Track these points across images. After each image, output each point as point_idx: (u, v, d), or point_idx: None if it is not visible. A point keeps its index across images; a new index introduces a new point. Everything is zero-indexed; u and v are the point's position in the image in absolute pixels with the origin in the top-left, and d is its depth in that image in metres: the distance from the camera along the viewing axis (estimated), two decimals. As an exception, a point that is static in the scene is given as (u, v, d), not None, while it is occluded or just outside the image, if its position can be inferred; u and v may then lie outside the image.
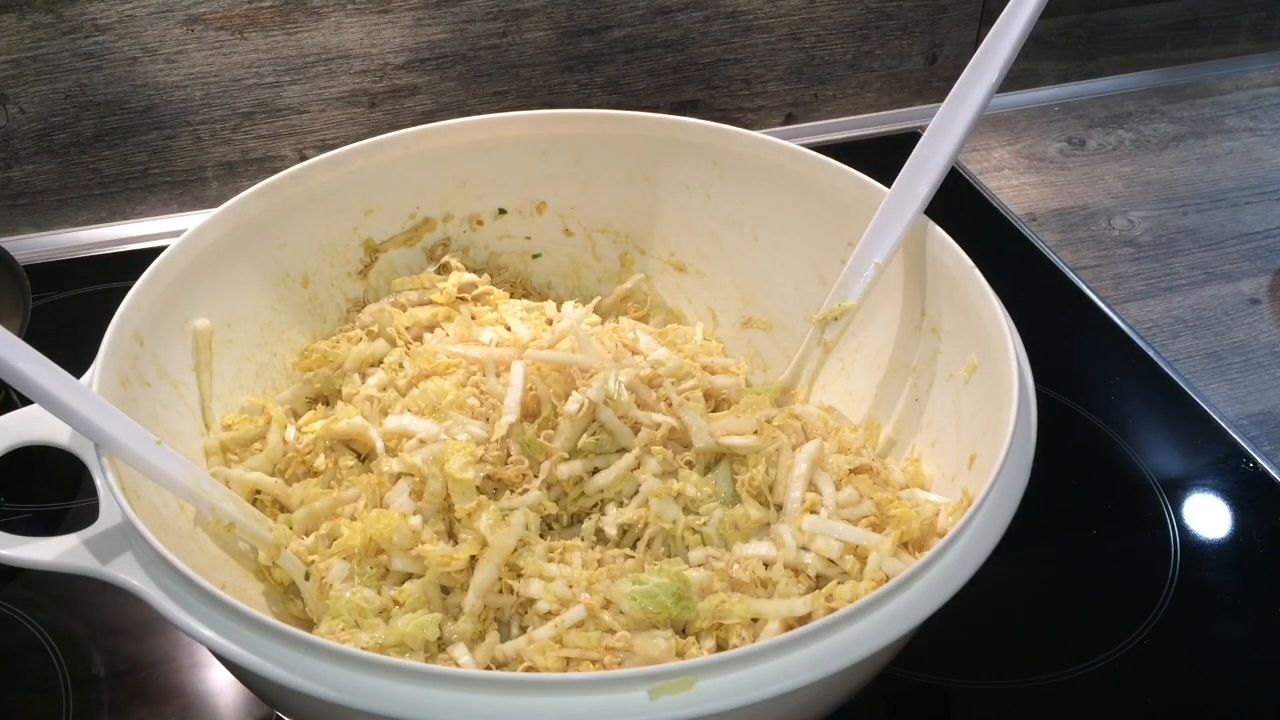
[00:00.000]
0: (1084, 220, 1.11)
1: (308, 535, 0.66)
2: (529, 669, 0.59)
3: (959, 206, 1.09)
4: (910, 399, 0.73)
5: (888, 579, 0.61)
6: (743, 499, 0.67)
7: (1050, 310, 0.99)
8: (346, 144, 0.78)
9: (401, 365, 0.74)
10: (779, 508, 0.67)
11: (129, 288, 0.67)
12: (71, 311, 0.96)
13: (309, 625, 0.64)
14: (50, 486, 0.81)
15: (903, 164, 0.70)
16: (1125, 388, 0.91)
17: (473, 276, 0.80)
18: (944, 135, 0.70)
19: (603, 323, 0.78)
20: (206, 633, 0.52)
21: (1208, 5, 1.23)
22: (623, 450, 0.68)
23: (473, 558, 0.63)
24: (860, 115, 1.20)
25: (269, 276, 0.76)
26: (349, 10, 0.99)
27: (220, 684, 0.71)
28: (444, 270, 0.81)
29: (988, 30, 0.67)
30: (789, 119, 1.17)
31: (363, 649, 0.58)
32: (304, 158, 0.85)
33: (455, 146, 0.80)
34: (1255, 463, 0.84)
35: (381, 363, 0.75)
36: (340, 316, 0.81)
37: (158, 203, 1.06)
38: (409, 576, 0.64)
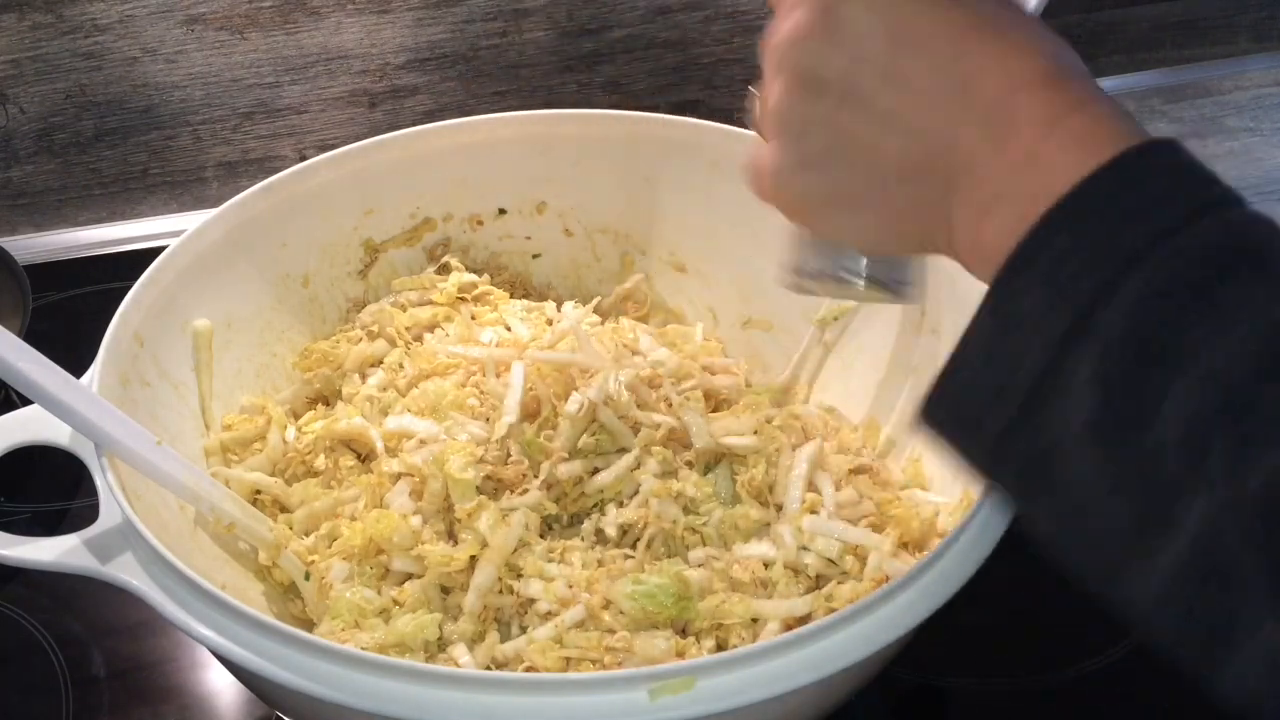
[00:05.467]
0: (1084, 220, 1.11)
1: (308, 535, 0.66)
2: (529, 669, 0.59)
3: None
4: (910, 399, 0.73)
5: (888, 579, 0.61)
6: (743, 499, 0.67)
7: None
8: (346, 144, 0.78)
9: (401, 365, 0.74)
10: (779, 508, 0.67)
11: (129, 288, 0.67)
12: (71, 311, 0.96)
13: (309, 625, 0.64)
14: (50, 486, 0.81)
15: (903, 164, 0.70)
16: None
17: (473, 276, 0.80)
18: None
19: (603, 323, 0.78)
20: (206, 633, 0.52)
21: (1208, 5, 1.23)
22: (623, 450, 0.68)
23: (473, 558, 0.63)
24: (860, 115, 1.20)
25: (269, 276, 0.76)
26: (349, 10, 0.99)
27: (220, 684, 0.71)
28: (444, 270, 0.81)
29: (988, 30, 0.67)
30: (789, 119, 1.17)
31: (363, 649, 0.58)
32: (304, 158, 0.84)
33: (455, 146, 0.80)
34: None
35: (381, 363, 0.75)
36: (340, 316, 0.81)
37: (158, 203, 1.06)
38: (409, 576, 0.64)
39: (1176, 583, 0.37)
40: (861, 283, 0.51)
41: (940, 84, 0.42)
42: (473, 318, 0.77)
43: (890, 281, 0.51)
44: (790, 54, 0.45)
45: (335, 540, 0.65)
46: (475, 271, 0.81)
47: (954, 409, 0.43)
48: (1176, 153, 0.39)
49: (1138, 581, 0.39)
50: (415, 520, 0.64)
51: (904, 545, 0.64)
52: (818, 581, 0.64)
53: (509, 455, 0.66)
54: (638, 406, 0.69)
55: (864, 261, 0.50)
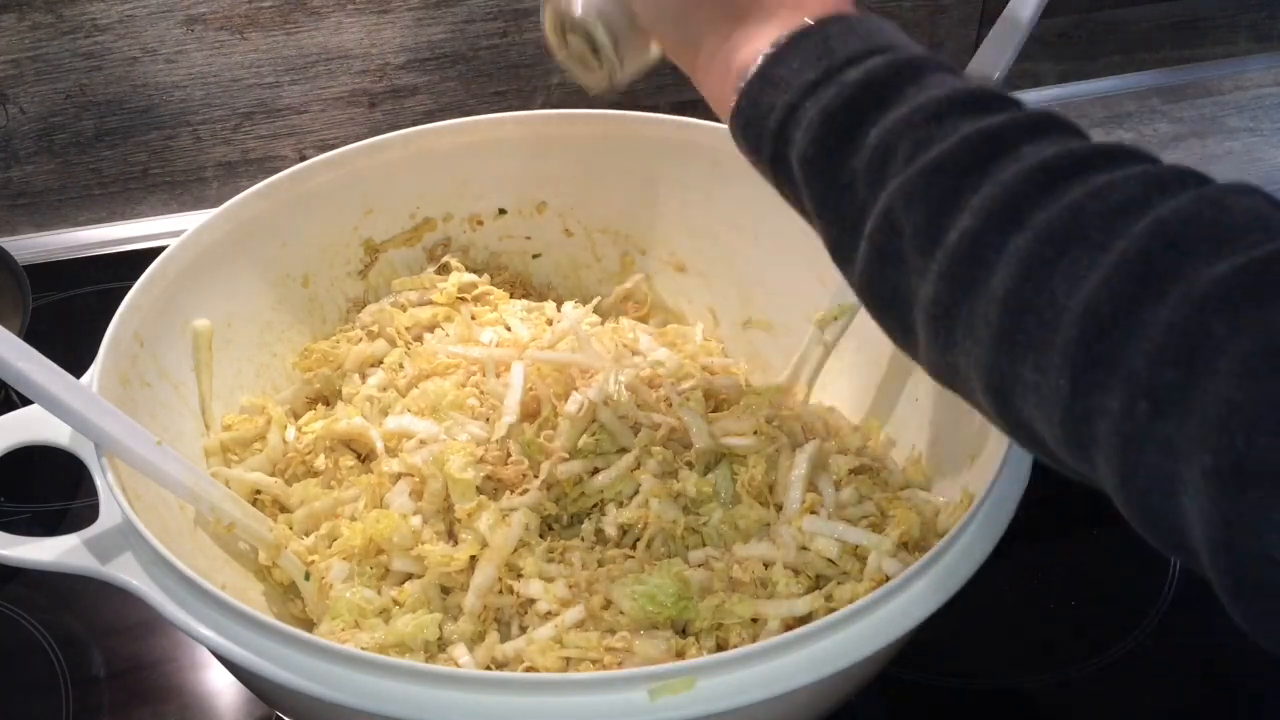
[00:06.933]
0: (1084, 220, 1.10)
1: (308, 535, 0.66)
2: (529, 669, 0.59)
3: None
4: (910, 399, 0.73)
5: (888, 579, 0.61)
6: (743, 499, 0.67)
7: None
8: (346, 144, 0.78)
9: (401, 365, 0.74)
10: (779, 508, 0.67)
11: (129, 288, 0.67)
12: (71, 311, 0.96)
13: (309, 625, 0.64)
14: (50, 486, 0.81)
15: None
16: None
17: (473, 276, 0.80)
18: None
19: (603, 323, 0.78)
20: (206, 633, 0.52)
21: (1208, 5, 1.23)
22: (623, 450, 0.68)
23: (473, 558, 0.63)
24: (860, 115, 1.20)
25: (269, 276, 0.76)
26: (349, 10, 0.99)
27: (220, 684, 0.71)
28: (444, 270, 0.81)
29: (988, 30, 0.67)
30: (789, 119, 1.17)
31: (363, 649, 0.58)
32: (304, 158, 0.84)
33: (455, 146, 0.80)
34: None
35: (381, 363, 0.75)
36: (340, 316, 0.81)
37: (158, 203, 1.06)
38: (409, 576, 0.64)
39: (865, 276, 0.45)
40: (604, 34, 0.58)
41: None
42: (473, 318, 0.77)
43: (620, 52, 0.59)
44: None
45: (335, 540, 0.65)
46: (475, 271, 0.81)
47: (743, 135, 0.52)
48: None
49: (849, 281, 0.47)
50: (415, 520, 0.64)
51: (904, 545, 0.64)
52: (818, 581, 0.64)
53: (509, 455, 0.66)
54: (638, 406, 0.69)
55: (622, 27, 0.58)
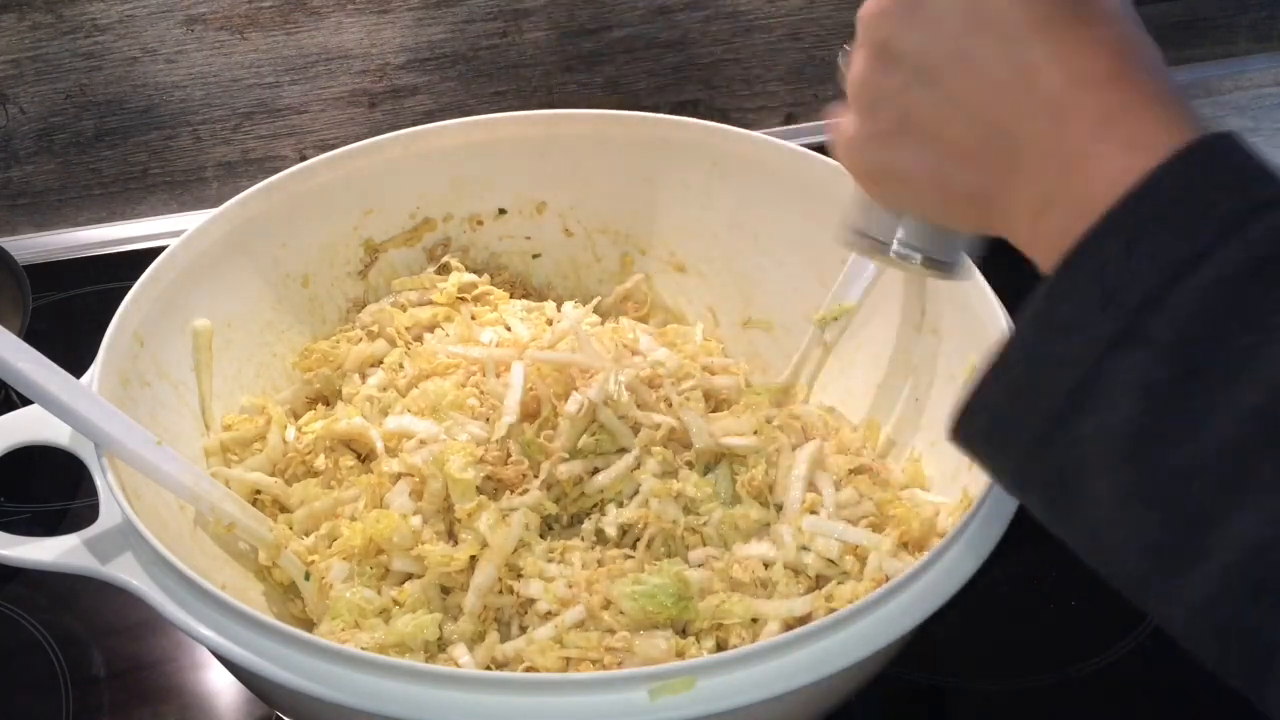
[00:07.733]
0: (1084, 220, 1.10)
1: (308, 535, 0.66)
2: (529, 669, 0.59)
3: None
4: (910, 399, 0.73)
5: (888, 579, 0.61)
6: (743, 499, 0.67)
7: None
8: (346, 144, 0.78)
9: (401, 365, 0.74)
10: (779, 508, 0.67)
11: (129, 288, 0.67)
12: (71, 311, 0.96)
13: (309, 625, 0.64)
14: (50, 486, 0.81)
15: (903, 164, 0.70)
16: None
17: (473, 276, 0.80)
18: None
19: (603, 323, 0.78)
20: (206, 633, 0.52)
21: (1208, 5, 1.23)
22: (623, 450, 0.68)
23: (473, 558, 0.63)
24: (860, 115, 1.20)
25: (269, 276, 0.76)
26: (349, 10, 0.99)
27: (220, 684, 0.71)
28: (444, 270, 0.81)
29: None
30: (789, 119, 1.17)
31: (363, 649, 0.58)
32: (304, 158, 0.85)
33: (455, 146, 0.80)
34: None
35: (381, 363, 0.75)
36: (340, 316, 0.81)
37: (158, 203, 1.06)
38: (409, 576, 0.64)
39: (1217, 599, 0.36)
40: (917, 257, 0.51)
41: (1005, 72, 0.42)
42: (473, 318, 0.77)
43: (941, 258, 0.52)
44: (873, 25, 0.46)
45: (335, 540, 0.65)
46: (475, 271, 0.81)
47: (985, 420, 0.42)
48: (1228, 152, 0.38)
49: (1170, 596, 0.38)
50: (415, 520, 0.64)
51: (904, 545, 0.64)
52: (818, 581, 0.64)
53: (509, 455, 0.66)
54: (638, 406, 0.69)
55: (922, 233, 0.51)
